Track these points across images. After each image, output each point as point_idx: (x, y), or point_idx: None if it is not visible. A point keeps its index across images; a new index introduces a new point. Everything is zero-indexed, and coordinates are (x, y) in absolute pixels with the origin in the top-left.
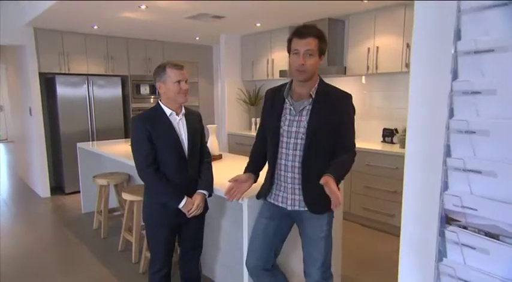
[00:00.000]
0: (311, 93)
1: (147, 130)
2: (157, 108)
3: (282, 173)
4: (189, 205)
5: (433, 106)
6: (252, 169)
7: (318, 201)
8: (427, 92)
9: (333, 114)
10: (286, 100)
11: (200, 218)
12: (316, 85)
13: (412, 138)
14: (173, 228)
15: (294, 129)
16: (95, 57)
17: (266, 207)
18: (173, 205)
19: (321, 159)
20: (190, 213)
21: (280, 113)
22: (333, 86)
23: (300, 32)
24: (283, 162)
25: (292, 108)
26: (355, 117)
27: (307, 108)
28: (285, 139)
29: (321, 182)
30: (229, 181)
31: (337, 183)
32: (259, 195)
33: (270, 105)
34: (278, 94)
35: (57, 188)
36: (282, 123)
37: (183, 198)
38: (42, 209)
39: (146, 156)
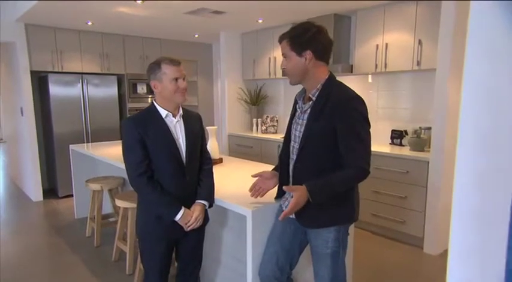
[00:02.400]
0: (310, 95)
1: (140, 134)
2: (152, 109)
3: (291, 178)
4: (186, 217)
5: (499, 111)
6: (278, 169)
7: (305, 214)
8: (489, 94)
9: (327, 121)
10: (298, 102)
11: (199, 231)
12: (319, 86)
13: (465, 151)
14: (169, 243)
15: (297, 133)
16: (90, 55)
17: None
18: (169, 217)
19: (313, 169)
20: (189, 227)
21: (293, 116)
22: (340, 87)
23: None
24: (291, 167)
25: (299, 111)
26: (363, 124)
27: (307, 111)
28: (292, 143)
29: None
30: (253, 176)
31: (314, 198)
32: (277, 196)
33: (293, 107)
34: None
35: (50, 191)
36: (292, 126)
37: (180, 209)
38: (34, 214)
39: (139, 163)
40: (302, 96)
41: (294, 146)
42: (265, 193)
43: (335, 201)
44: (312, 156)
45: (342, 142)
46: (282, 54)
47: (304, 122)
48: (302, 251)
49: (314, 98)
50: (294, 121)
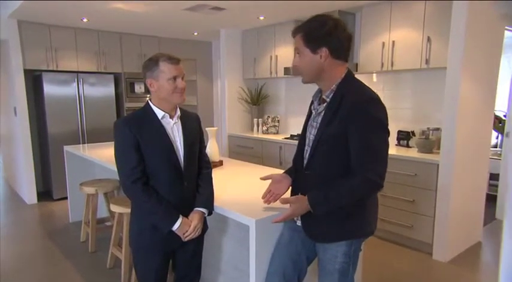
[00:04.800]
0: (324, 97)
1: (134, 136)
2: (147, 110)
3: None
4: (184, 227)
5: None
6: (290, 172)
7: (314, 226)
8: None
9: (340, 126)
10: (314, 103)
11: (198, 240)
12: (333, 87)
13: None
14: (166, 254)
15: (311, 137)
16: (86, 53)
17: (292, 219)
18: (166, 227)
19: (324, 176)
20: (186, 237)
21: (309, 118)
22: (358, 87)
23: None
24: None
25: (314, 113)
26: (378, 131)
27: (321, 114)
28: (306, 147)
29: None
30: (262, 178)
31: (315, 210)
32: None
33: (309, 108)
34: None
35: (46, 193)
36: (307, 128)
37: (177, 218)
38: (27, 218)
39: (133, 168)
40: (318, 97)
41: (308, 150)
42: (278, 198)
43: (344, 213)
44: (322, 162)
45: (352, 150)
46: (295, 49)
47: (318, 125)
48: (310, 263)
49: (328, 100)
50: (309, 123)
